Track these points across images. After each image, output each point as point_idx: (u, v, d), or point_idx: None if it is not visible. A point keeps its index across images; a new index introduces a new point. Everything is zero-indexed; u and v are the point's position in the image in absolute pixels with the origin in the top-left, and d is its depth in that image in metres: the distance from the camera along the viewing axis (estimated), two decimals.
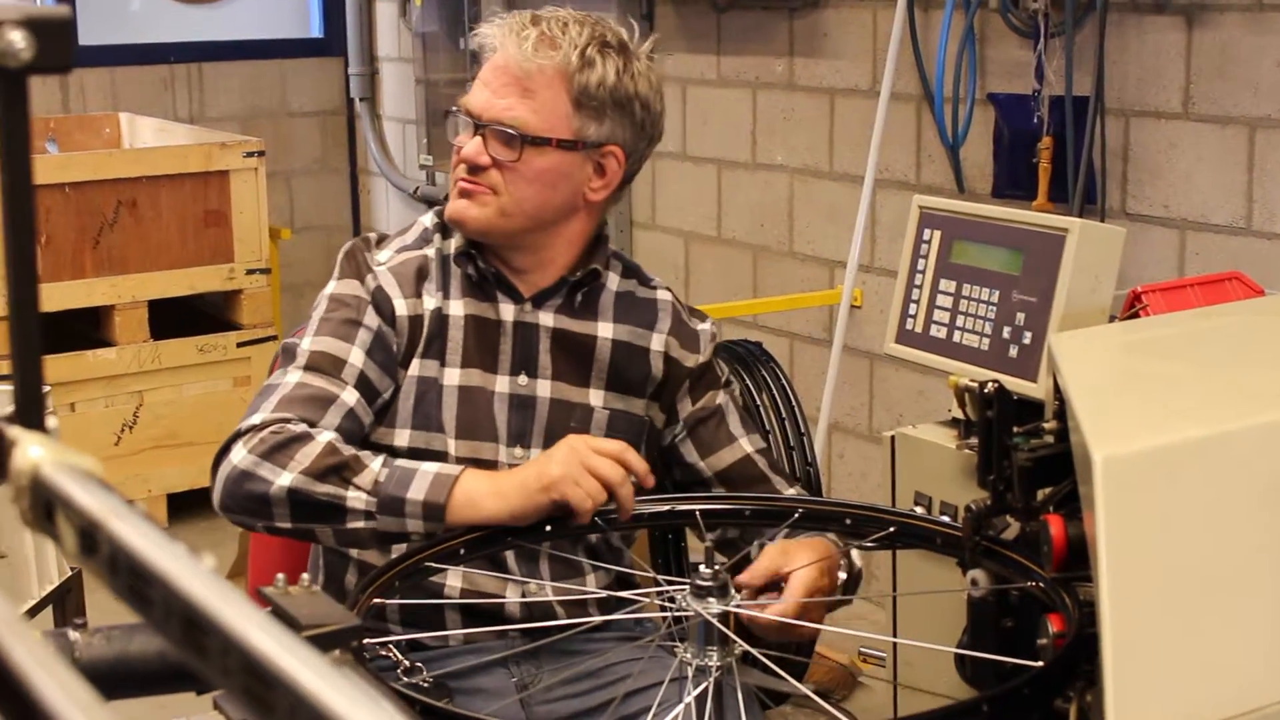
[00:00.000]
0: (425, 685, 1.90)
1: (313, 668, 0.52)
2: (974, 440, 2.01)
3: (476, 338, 2.10)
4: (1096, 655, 1.35)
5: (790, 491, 2.16)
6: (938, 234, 2.49)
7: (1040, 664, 1.52)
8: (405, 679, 1.90)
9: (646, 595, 1.98)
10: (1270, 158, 3.14)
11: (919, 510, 2.43)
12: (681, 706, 1.60)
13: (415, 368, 2.08)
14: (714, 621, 1.63)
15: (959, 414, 2.41)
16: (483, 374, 2.10)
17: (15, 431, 0.69)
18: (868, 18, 4.00)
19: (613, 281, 2.18)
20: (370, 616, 1.96)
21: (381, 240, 2.18)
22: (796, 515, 1.94)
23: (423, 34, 5.44)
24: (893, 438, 2.60)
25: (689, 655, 1.65)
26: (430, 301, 2.10)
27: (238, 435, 1.96)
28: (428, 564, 1.82)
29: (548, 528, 1.91)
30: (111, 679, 0.84)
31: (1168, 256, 3.34)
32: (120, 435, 4.67)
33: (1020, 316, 2.33)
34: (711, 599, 1.65)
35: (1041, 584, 1.65)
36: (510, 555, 2.07)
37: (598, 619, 2.06)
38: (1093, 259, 2.29)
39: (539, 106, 2.04)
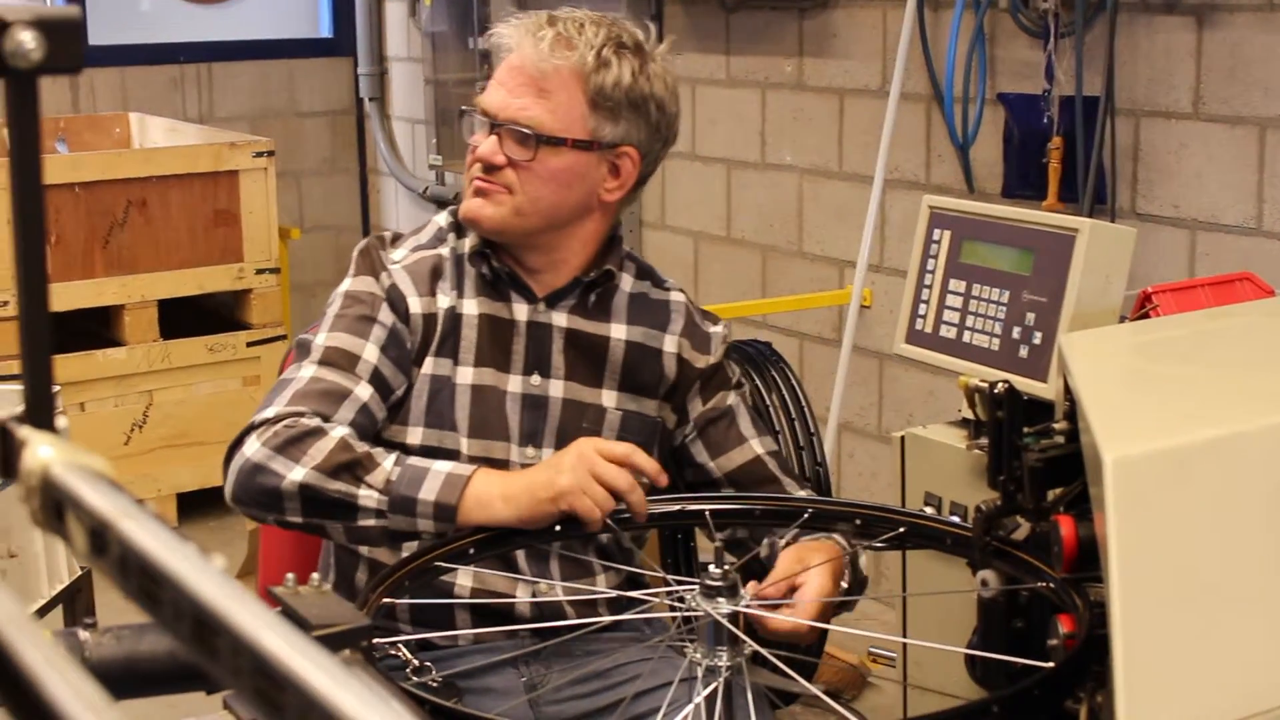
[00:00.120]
0: (434, 685, 1.90)
1: (323, 668, 0.52)
2: (984, 441, 2.01)
3: (490, 337, 2.10)
4: (1107, 656, 1.34)
5: (800, 493, 2.16)
6: (947, 234, 2.49)
7: (1050, 665, 1.52)
8: (414, 678, 1.90)
9: (656, 595, 1.98)
10: None
11: (929, 510, 2.42)
12: (691, 707, 1.60)
13: (429, 366, 2.08)
14: (723, 621, 1.63)
15: (969, 414, 2.40)
16: (495, 373, 2.10)
17: (25, 431, 0.69)
18: (877, 18, 4.00)
19: (626, 283, 2.18)
20: (380, 615, 1.96)
21: (396, 239, 2.18)
22: (806, 515, 1.93)
23: (432, 34, 5.45)
24: (902, 438, 2.59)
25: (698, 655, 1.64)
26: (444, 300, 2.10)
27: (251, 428, 1.96)
28: (437, 563, 1.82)
29: (558, 528, 1.91)
30: (121, 679, 0.84)
31: (1178, 257, 3.34)
32: (130, 435, 4.68)
33: (1030, 317, 2.32)
34: (721, 599, 1.65)
35: (1052, 585, 1.64)
36: (521, 555, 2.07)
37: (607, 619, 2.06)
38: (1103, 259, 2.28)
39: (555, 106, 2.04)
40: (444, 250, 2.14)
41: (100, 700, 0.53)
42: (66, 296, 4.45)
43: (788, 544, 2.04)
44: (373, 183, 6.30)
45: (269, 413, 1.97)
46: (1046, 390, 2.24)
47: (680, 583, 1.76)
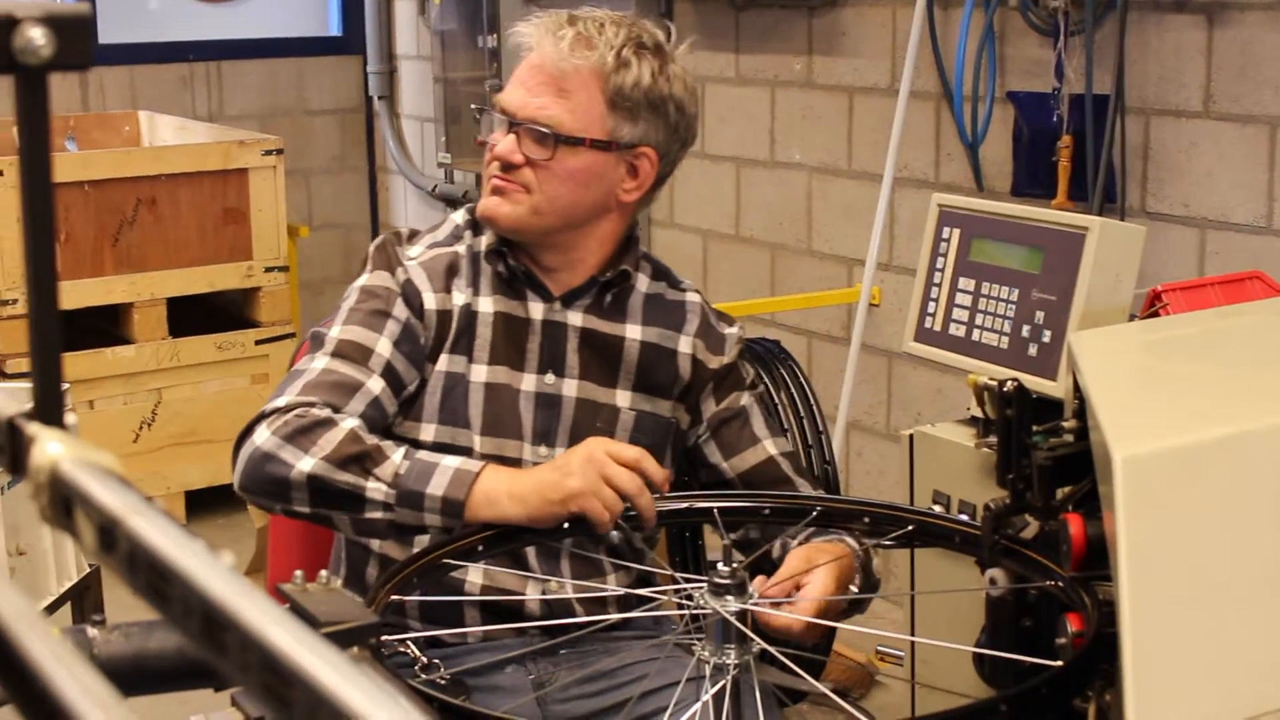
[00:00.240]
0: (442, 682, 1.90)
1: (331, 664, 0.52)
2: (993, 439, 2.00)
3: (505, 335, 2.10)
4: (1115, 655, 1.34)
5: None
6: (957, 232, 2.49)
7: (1059, 664, 1.52)
8: (423, 675, 1.90)
9: (664, 593, 1.98)
10: None
11: (937, 509, 2.42)
12: (699, 705, 1.60)
13: (443, 363, 2.08)
14: (731, 619, 1.63)
15: (978, 412, 2.40)
16: (509, 371, 2.10)
17: (34, 428, 0.69)
18: (887, 16, 4.00)
19: (642, 283, 2.18)
20: (390, 612, 1.96)
21: (413, 236, 2.18)
22: (815, 513, 1.93)
23: (441, 32, 5.45)
24: (911, 436, 2.59)
25: (706, 653, 1.64)
26: (460, 297, 2.10)
27: (262, 417, 1.96)
28: (446, 561, 1.82)
29: (566, 525, 1.91)
30: (130, 676, 0.84)
31: (1188, 255, 3.33)
32: (139, 432, 4.69)
33: (1040, 315, 2.32)
34: (729, 597, 1.64)
35: (1060, 583, 1.64)
36: (532, 553, 2.07)
37: (615, 617, 2.06)
38: (1113, 258, 2.28)
39: (574, 106, 2.04)
40: (460, 248, 2.14)
41: (109, 697, 0.53)
42: (76, 294, 4.46)
43: (800, 544, 2.04)
44: (382, 181, 6.30)
45: (280, 402, 1.97)
46: (1056, 388, 2.24)
47: (688, 581, 1.76)
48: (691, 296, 2.22)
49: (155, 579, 0.59)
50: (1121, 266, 2.29)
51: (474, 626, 2.07)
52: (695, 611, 1.67)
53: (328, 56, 6.16)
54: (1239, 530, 1.41)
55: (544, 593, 2.08)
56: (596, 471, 1.87)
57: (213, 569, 0.58)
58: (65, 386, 0.75)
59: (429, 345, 2.09)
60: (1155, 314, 2.24)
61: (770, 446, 2.17)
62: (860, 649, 3.59)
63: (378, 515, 1.90)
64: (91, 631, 0.86)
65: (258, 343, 4.83)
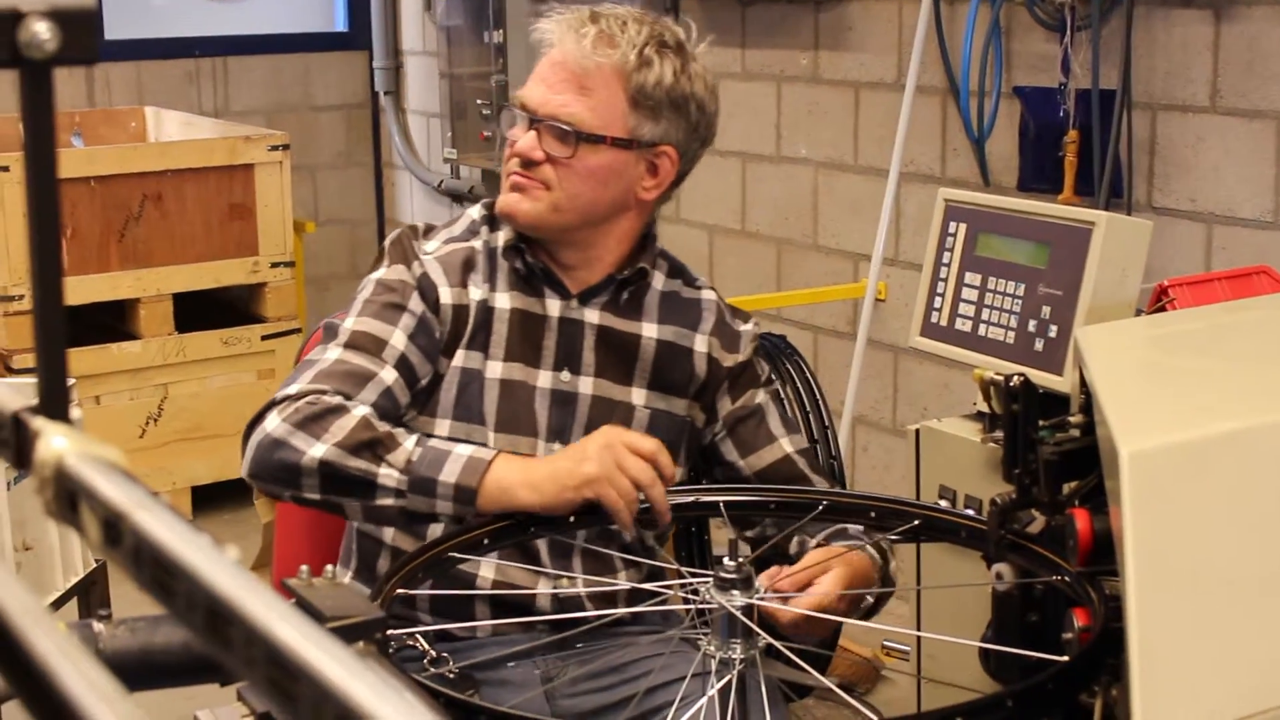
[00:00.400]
0: (451, 676, 1.91)
1: (337, 659, 0.52)
2: (999, 434, 2.01)
3: (520, 332, 2.10)
4: (1122, 650, 1.34)
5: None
6: (963, 227, 2.48)
7: (1065, 659, 1.51)
8: (431, 669, 1.91)
9: (670, 588, 1.98)
10: None
11: (943, 504, 2.42)
12: (704, 699, 1.60)
13: (459, 359, 2.08)
14: (737, 614, 1.63)
15: (984, 407, 2.40)
16: (524, 368, 2.09)
17: (39, 422, 0.69)
18: (893, 11, 3.99)
19: (658, 280, 2.18)
20: (400, 605, 1.96)
21: (429, 230, 2.18)
22: (821, 508, 1.93)
23: (447, 27, 5.44)
24: (917, 431, 2.59)
25: (712, 648, 1.64)
26: (476, 293, 2.10)
27: (273, 404, 1.96)
28: (452, 554, 1.82)
29: (571, 518, 1.91)
30: (136, 670, 0.84)
31: (1194, 250, 3.33)
32: (145, 428, 4.69)
33: (1046, 310, 2.32)
34: (735, 591, 1.64)
35: (1067, 578, 1.64)
36: (544, 550, 2.07)
37: (620, 611, 2.06)
38: (1119, 252, 2.27)
39: (595, 104, 2.04)
40: (477, 243, 2.14)
41: (115, 692, 0.53)
42: (82, 290, 4.47)
43: (819, 544, 2.04)
44: (387, 176, 6.30)
45: (291, 389, 1.97)
46: (1062, 383, 2.23)
47: (694, 575, 1.76)
48: (707, 294, 2.22)
49: (160, 573, 0.59)
50: (1128, 261, 2.29)
51: (483, 621, 2.07)
52: (701, 606, 1.67)
53: (334, 52, 6.16)
54: (1246, 525, 1.41)
55: (557, 593, 2.08)
56: (612, 459, 1.87)
57: (218, 563, 0.58)
58: (71, 382, 0.75)
59: (444, 339, 2.08)
60: (1162, 309, 2.24)
61: (787, 444, 2.17)
62: (866, 644, 3.59)
63: (389, 502, 1.90)
64: (97, 626, 0.86)
65: (264, 338, 4.83)
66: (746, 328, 2.21)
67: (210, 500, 4.77)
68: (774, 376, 2.35)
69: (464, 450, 1.91)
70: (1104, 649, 1.46)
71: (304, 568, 0.96)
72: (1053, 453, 1.77)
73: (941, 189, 2.60)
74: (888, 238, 3.89)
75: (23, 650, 0.56)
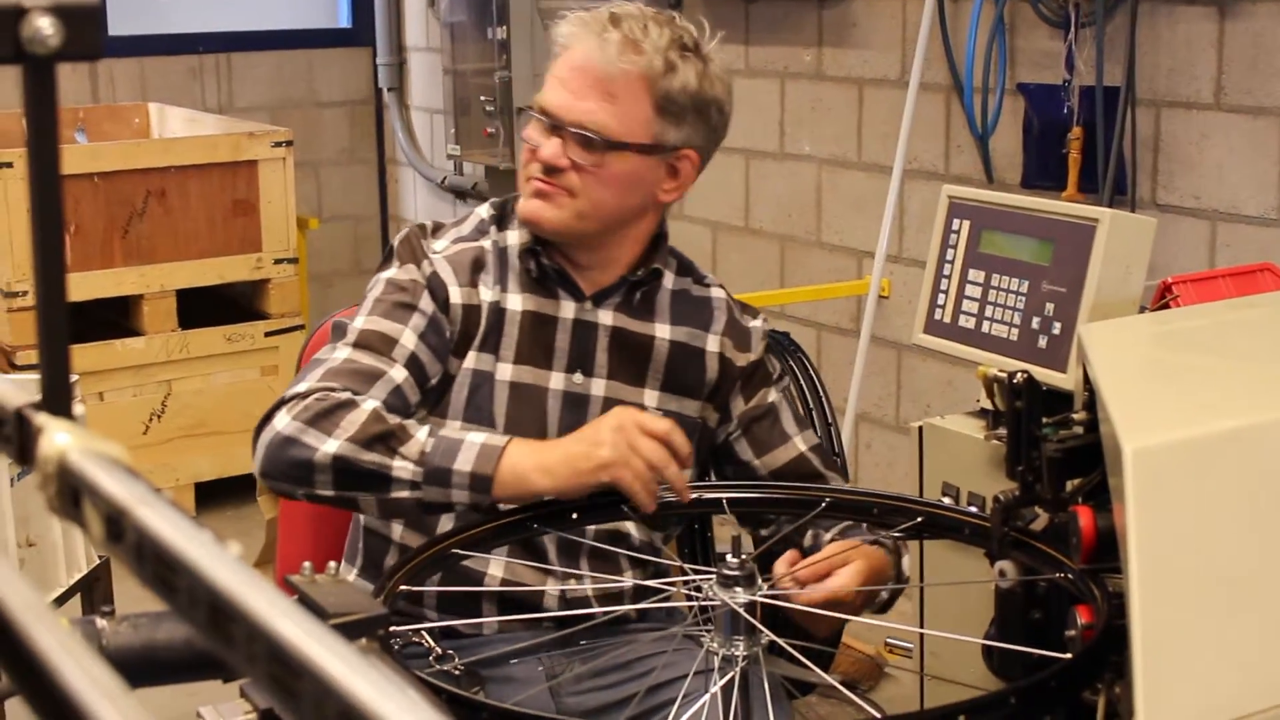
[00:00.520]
0: (456, 673, 1.90)
1: (339, 655, 0.52)
2: (1002, 431, 2.00)
3: (532, 334, 2.09)
4: (1125, 648, 1.34)
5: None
6: (967, 224, 2.48)
7: (1068, 656, 1.51)
8: (437, 665, 1.90)
9: (673, 585, 1.98)
10: None
11: (947, 501, 2.42)
12: (707, 696, 1.60)
13: (470, 360, 2.07)
14: (740, 611, 1.63)
15: (987, 404, 2.40)
16: (535, 370, 2.08)
17: (42, 418, 0.69)
18: (897, 7, 3.99)
19: (668, 279, 2.18)
20: (407, 602, 1.95)
21: (437, 229, 2.17)
22: (823, 505, 1.93)
23: (451, 24, 5.44)
24: (920, 428, 2.59)
25: (715, 645, 1.64)
26: (487, 294, 2.09)
27: (282, 402, 1.95)
28: (455, 551, 1.82)
29: (574, 515, 1.91)
30: (138, 667, 0.84)
31: (1198, 247, 3.33)
32: (148, 424, 4.69)
33: (1050, 307, 2.32)
34: (738, 588, 1.64)
35: (1070, 575, 1.64)
36: (551, 549, 2.07)
37: (624, 608, 2.06)
38: (1123, 249, 2.27)
39: (621, 111, 2.02)
40: (486, 243, 2.13)
41: (117, 688, 0.53)
42: (85, 286, 4.47)
43: (833, 539, 2.04)
44: (391, 173, 6.30)
45: (300, 388, 1.96)
46: (1066, 380, 2.23)
47: (698, 572, 1.76)
48: (716, 292, 2.21)
49: (162, 569, 0.59)
50: (1132, 258, 2.29)
51: (489, 618, 2.07)
52: (704, 603, 1.67)
53: (337, 48, 6.16)
54: (1249, 522, 1.41)
55: (564, 593, 2.08)
56: (625, 441, 1.86)
57: (220, 560, 0.58)
58: (75, 378, 0.75)
59: (454, 339, 2.07)
60: (1165, 306, 2.23)
61: (800, 443, 2.17)
62: (869, 641, 3.59)
63: (404, 494, 1.89)
64: (100, 623, 0.86)
65: (267, 334, 4.84)
66: (756, 324, 2.21)
67: (213, 497, 4.78)
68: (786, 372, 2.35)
69: (477, 438, 1.90)
70: (1107, 646, 1.46)
71: (307, 564, 0.96)
72: (1056, 450, 1.76)
73: (945, 186, 2.60)
74: (891, 234, 3.89)
75: (26, 646, 0.56)
